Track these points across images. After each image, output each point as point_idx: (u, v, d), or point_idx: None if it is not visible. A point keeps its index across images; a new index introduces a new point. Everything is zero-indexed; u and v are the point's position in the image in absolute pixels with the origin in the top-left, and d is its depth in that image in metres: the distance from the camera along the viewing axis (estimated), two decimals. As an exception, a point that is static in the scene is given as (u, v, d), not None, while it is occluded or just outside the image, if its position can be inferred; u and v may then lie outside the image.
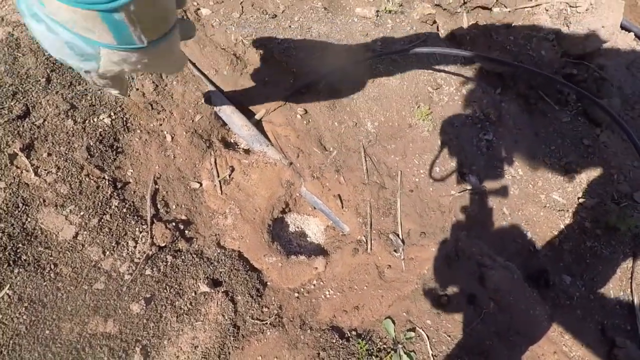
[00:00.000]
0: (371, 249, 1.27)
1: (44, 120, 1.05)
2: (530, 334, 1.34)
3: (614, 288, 1.53)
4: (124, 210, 1.04)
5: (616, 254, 1.57)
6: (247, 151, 1.30)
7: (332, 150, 1.38)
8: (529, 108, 1.87)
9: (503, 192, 1.58)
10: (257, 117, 1.37)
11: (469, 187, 1.53)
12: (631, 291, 1.53)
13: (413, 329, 1.19)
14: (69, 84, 1.13)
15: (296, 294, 1.14)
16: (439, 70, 1.72)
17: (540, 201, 1.60)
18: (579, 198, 1.65)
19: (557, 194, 1.64)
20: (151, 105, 1.22)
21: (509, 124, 1.75)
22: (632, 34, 2.16)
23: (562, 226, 1.57)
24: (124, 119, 1.16)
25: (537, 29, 1.97)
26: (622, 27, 2.15)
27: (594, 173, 1.76)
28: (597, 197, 1.68)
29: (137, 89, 1.22)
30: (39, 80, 1.09)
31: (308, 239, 1.30)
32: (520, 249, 1.50)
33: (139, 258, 0.99)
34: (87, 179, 1.02)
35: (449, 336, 1.22)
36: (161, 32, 0.59)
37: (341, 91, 1.48)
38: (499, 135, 1.70)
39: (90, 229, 0.98)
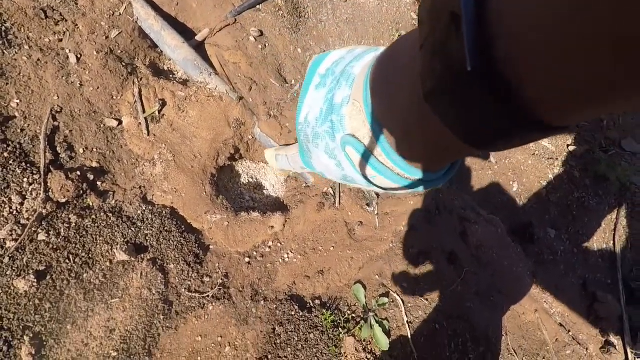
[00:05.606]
0: (340, 203, 1.06)
1: None
2: (513, 293, 1.22)
3: (598, 241, 1.43)
4: (6, 154, 0.76)
5: (602, 205, 1.46)
6: (185, 82, 1.02)
7: (295, 83, 1.12)
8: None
9: (490, 137, 1.39)
10: (198, 37, 1.07)
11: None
12: (614, 243, 1.44)
13: (387, 294, 1.03)
14: None
15: (247, 259, 0.93)
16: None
17: (529, 148, 1.43)
18: (568, 145, 1.50)
19: (546, 140, 1.47)
20: (44, 12, 0.89)
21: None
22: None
23: (551, 176, 1.42)
24: (4, 29, 0.84)
25: None
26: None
27: (584, 118, 1.60)
28: (586, 145, 1.53)
29: (25, -10, 0.88)
30: None
31: (265, 191, 1.08)
32: (506, 201, 1.35)
33: (27, 219, 0.74)
34: (-56, 111, 0.73)
35: (427, 300, 1.08)
36: None
37: (307, 9, 1.19)
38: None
39: (-50, 180, 0.70)
